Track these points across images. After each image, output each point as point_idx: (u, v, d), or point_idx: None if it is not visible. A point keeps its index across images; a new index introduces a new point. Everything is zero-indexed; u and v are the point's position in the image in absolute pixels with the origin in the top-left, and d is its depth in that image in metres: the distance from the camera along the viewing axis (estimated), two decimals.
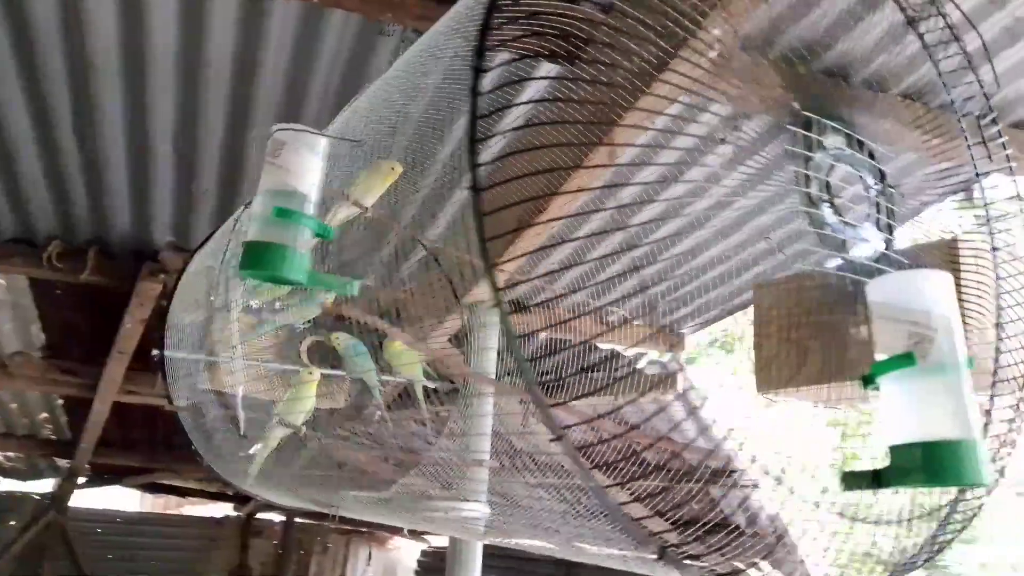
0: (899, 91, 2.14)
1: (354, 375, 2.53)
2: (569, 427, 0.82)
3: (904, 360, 0.88)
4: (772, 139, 1.12)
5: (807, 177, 1.15)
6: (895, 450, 0.89)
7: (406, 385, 2.59)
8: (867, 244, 1.20)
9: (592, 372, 3.88)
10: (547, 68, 1.93)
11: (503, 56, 1.21)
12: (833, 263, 1.53)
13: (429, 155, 2.38)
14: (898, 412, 0.90)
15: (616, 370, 4.01)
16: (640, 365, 4.04)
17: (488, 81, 0.89)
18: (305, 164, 1.13)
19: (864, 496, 1.23)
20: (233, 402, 2.19)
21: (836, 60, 2.08)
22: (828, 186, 1.18)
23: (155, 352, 2.21)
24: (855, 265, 1.22)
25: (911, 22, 1.21)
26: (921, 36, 1.19)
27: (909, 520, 1.15)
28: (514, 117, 1.11)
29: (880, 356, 0.93)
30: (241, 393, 1.97)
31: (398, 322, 2.82)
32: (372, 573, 8.77)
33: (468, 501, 2.12)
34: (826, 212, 1.20)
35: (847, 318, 1.47)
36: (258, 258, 1.09)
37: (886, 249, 1.19)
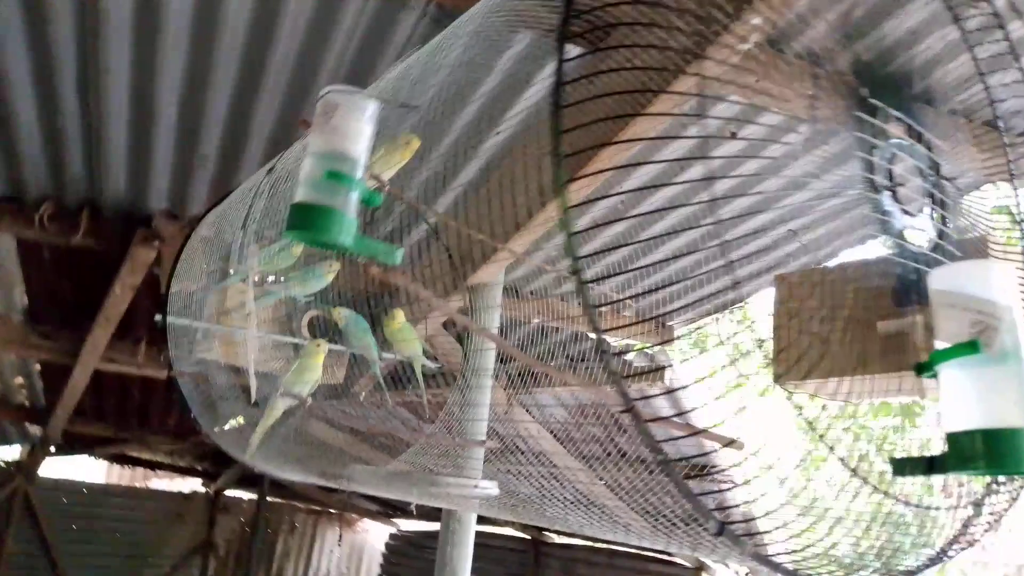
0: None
1: (354, 350, 2.51)
2: (637, 400, 0.82)
3: (967, 348, 0.89)
4: (839, 126, 1.12)
5: (871, 165, 1.15)
6: (954, 437, 0.89)
7: (403, 363, 2.58)
8: (923, 233, 1.20)
9: (581, 360, 3.87)
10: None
11: None
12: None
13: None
14: (960, 400, 0.91)
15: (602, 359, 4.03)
16: (628, 357, 4.05)
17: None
18: (357, 128, 1.11)
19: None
20: (244, 371, 2.16)
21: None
22: (890, 174, 1.19)
23: (157, 317, 2.16)
24: (912, 254, 1.22)
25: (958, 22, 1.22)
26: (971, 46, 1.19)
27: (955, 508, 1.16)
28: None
29: (941, 344, 0.94)
30: (253, 361, 1.93)
31: (397, 301, 2.80)
32: (340, 554, 8.74)
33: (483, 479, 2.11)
34: (887, 200, 1.20)
35: (874, 311, 1.48)
36: (306, 220, 1.07)
37: (940, 239, 1.19)
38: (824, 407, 1.57)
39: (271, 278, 2.42)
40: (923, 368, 0.96)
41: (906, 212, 1.21)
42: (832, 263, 1.64)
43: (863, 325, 1.48)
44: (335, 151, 1.09)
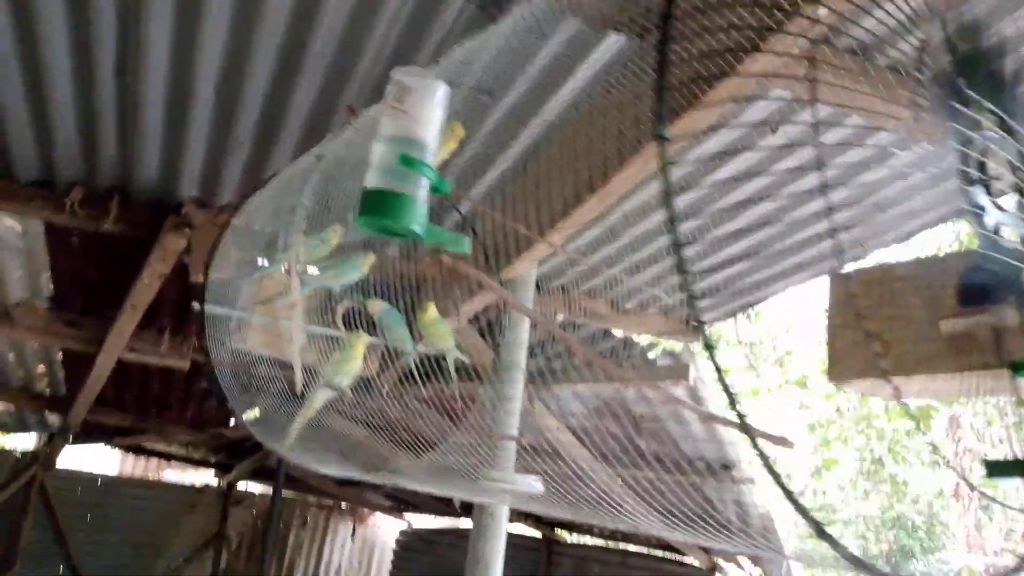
0: None
1: (389, 342, 2.48)
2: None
3: None
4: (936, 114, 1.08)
5: (965, 157, 1.11)
6: None
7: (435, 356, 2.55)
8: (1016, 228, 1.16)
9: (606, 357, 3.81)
10: None
11: None
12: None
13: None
14: None
15: (628, 358, 3.99)
16: (652, 355, 4.02)
17: None
18: (429, 112, 1.08)
19: None
20: (282, 362, 2.14)
21: None
22: (983, 167, 1.15)
23: (195, 305, 2.14)
24: (1004, 248, 1.18)
25: None
26: None
27: None
28: None
29: None
30: (298, 352, 1.91)
31: (426, 293, 2.76)
32: (352, 549, 8.72)
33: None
34: (980, 194, 1.16)
35: (936, 311, 1.44)
36: (379, 206, 1.04)
37: None
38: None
39: (309, 268, 2.40)
40: (1019, 368, 0.93)
41: (998, 207, 1.17)
42: (883, 262, 1.61)
43: (925, 324, 1.44)
44: (408, 136, 1.06)
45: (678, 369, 3.86)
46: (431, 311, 2.43)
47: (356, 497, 8.20)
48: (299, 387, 1.89)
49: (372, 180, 1.06)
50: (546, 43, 2.01)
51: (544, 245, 2.28)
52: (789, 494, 0.78)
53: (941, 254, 1.45)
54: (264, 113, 2.46)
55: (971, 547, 9.39)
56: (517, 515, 7.25)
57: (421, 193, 1.05)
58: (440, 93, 1.10)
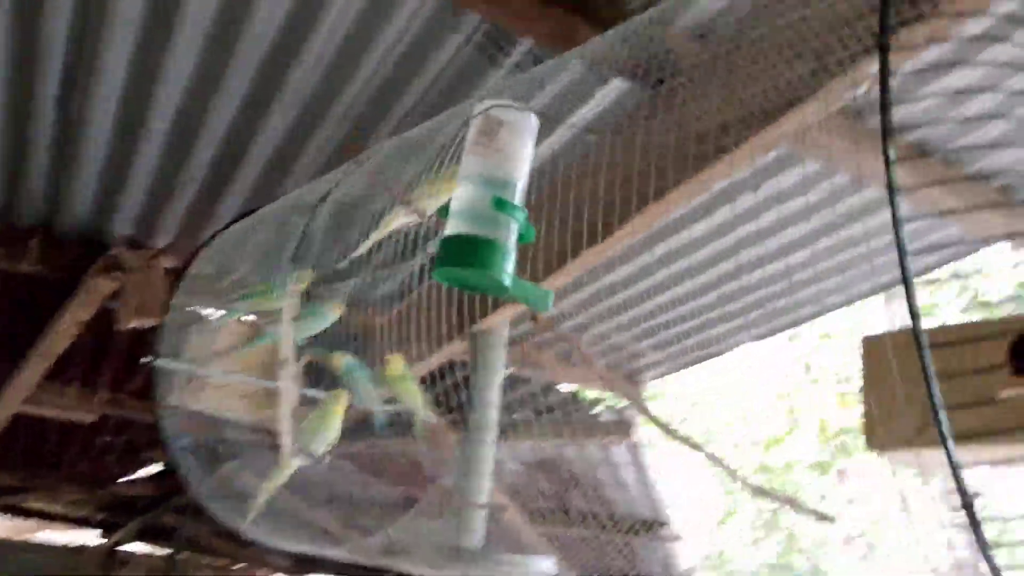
0: None
1: (356, 402, 2.28)
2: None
3: None
4: None
5: None
6: None
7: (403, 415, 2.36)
8: None
9: (546, 413, 3.71)
10: None
11: None
12: None
13: None
14: None
15: (572, 413, 3.88)
16: (596, 411, 3.93)
17: None
18: (522, 149, 0.95)
19: None
20: (268, 425, 1.91)
21: None
22: None
23: (145, 359, 1.89)
24: None
25: None
26: None
27: None
28: None
29: None
30: (287, 416, 1.70)
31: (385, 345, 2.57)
32: None
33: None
34: None
35: (987, 376, 1.40)
36: (466, 255, 0.90)
37: None
38: None
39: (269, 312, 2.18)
40: None
41: None
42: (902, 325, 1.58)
43: (975, 390, 1.40)
44: (498, 176, 0.92)
45: (621, 426, 3.79)
46: (397, 365, 2.25)
47: (257, 557, 7.69)
48: (288, 456, 1.67)
49: (457, 225, 0.91)
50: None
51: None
52: None
53: (982, 318, 1.42)
54: (223, 150, 2.25)
55: None
56: None
57: (511, 241, 0.91)
58: (534, 127, 0.97)
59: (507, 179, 0.93)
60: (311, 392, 2.20)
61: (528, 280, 0.91)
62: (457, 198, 0.94)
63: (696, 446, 2.64)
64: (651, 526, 4.61)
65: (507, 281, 0.90)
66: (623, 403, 3.80)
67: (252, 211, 2.14)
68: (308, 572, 8.02)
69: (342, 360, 2.18)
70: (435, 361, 2.68)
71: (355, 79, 1.98)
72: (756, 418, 8.28)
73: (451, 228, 0.92)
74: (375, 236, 1.77)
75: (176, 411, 1.92)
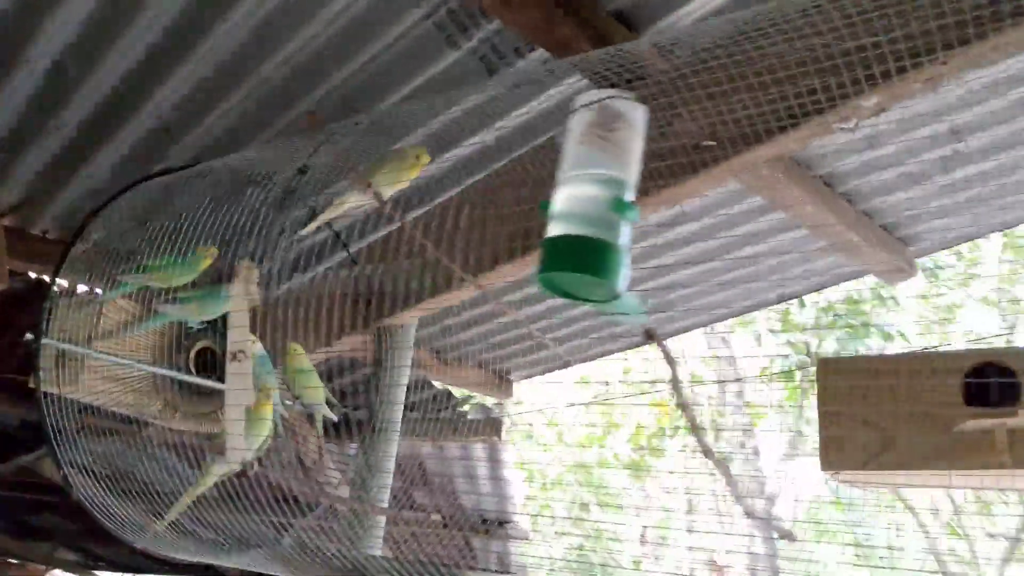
0: None
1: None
2: None
3: None
4: None
5: None
6: None
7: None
8: None
9: (412, 411, 3.63)
10: None
11: None
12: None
13: None
14: None
15: (442, 410, 3.79)
16: (465, 408, 3.85)
17: None
18: (637, 146, 0.86)
19: None
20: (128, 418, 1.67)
21: None
22: None
23: (28, 336, 1.59)
24: None
25: None
26: None
27: None
28: None
29: None
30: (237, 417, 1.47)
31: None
32: None
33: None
34: None
35: (943, 407, 1.47)
36: (582, 259, 0.80)
37: None
38: None
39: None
40: None
41: None
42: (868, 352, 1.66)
43: (932, 420, 1.47)
44: (617, 175, 0.83)
45: (491, 425, 3.74)
46: (299, 356, 2.07)
47: (47, 557, 6.92)
48: (234, 461, 1.46)
49: (571, 226, 0.81)
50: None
51: (462, 291, 2.04)
52: None
53: (938, 350, 1.50)
54: (100, 111, 1.97)
55: None
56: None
57: (625, 244, 0.83)
58: (645, 121, 0.88)
59: (624, 178, 0.84)
60: (205, 382, 1.98)
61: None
62: (569, 195, 0.84)
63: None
64: (496, 523, 4.60)
65: (621, 289, 0.81)
66: (492, 401, 3.77)
67: (146, 178, 1.89)
68: (94, 568, 7.33)
69: (253, 349, 1.96)
70: (324, 355, 2.50)
71: (281, 46, 1.79)
72: (580, 417, 8.54)
73: (564, 228, 0.81)
74: (328, 214, 1.61)
75: (56, 399, 1.64)
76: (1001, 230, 2.87)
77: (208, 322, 1.99)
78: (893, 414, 1.50)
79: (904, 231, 2.59)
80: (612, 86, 1.75)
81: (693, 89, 1.55)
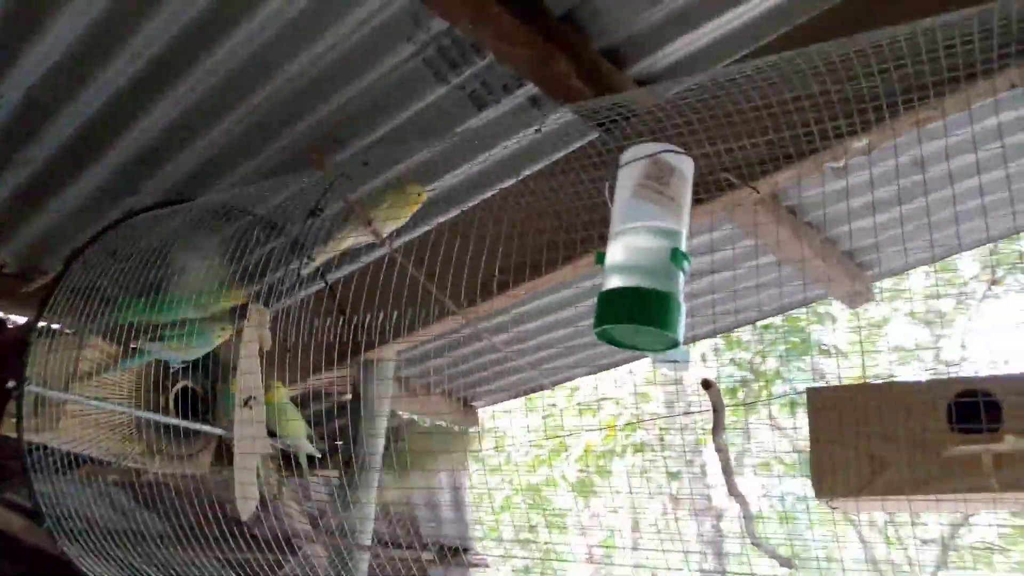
0: None
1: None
2: None
3: None
4: None
5: None
6: None
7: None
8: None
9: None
10: None
11: None
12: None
13: None
14: None
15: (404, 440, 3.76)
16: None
17: None
18: (688, 198, 0.88)
19: None
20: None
21: None
22: None
23: (11, 384, 1.52)
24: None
25: None
26: None
27: None
28: None
29: None
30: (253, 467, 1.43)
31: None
32: None
33: None
34: None
35: (930, 432, 1.53)
36: (654, 312, 0.81)
37: None
38: None
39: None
40: None
41: None
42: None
43: (921, 445, 1.53)
44: (673, 227, 0.85)
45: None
46: (281, 392, 2.04)
47: None
48: (248, 512, 1.42)
49: (628, 278, 0.83)
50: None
51: (444, 323, 2.03)
52: None
53: (924, 379, 1.56)
54: (76, 142, 1.91)
55: None
56: None
57: (682, 292, 0.85)
58: (692, 172, 0.91)
59: (679, 229, 0.87)
60: (184, 424, 1.93)
61: None
62: (626, 247, 0.86)
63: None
64: (455, 551, 4.57)
65: (680, 339, 0.84)
66: (459, 428, 3.76)
67: (131, 215, 1.84)
68: None
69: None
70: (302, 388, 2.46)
71: (268, 79, 1.78)
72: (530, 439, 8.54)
73: (624, 280, 0.83)
74: (330, 251, 1.59)
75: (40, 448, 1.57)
76: (952, 255, 3.00)
77: (189, 361, 1.94)
78: (883, 441, 1.56)
79: (863, 257, 2.69)
80: (600, 124, 1.80)
81: (681, 130, 1.60)
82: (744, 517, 1.37)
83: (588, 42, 1.76)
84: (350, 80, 1.84)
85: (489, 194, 2.04)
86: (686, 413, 7.49)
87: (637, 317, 0.82)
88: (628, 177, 0.89)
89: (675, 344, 0.83)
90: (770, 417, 7.75)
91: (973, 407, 1.49)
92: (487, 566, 4.71)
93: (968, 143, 1.98)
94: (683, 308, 0.84)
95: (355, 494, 2.13)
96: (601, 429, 7.53)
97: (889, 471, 1.54)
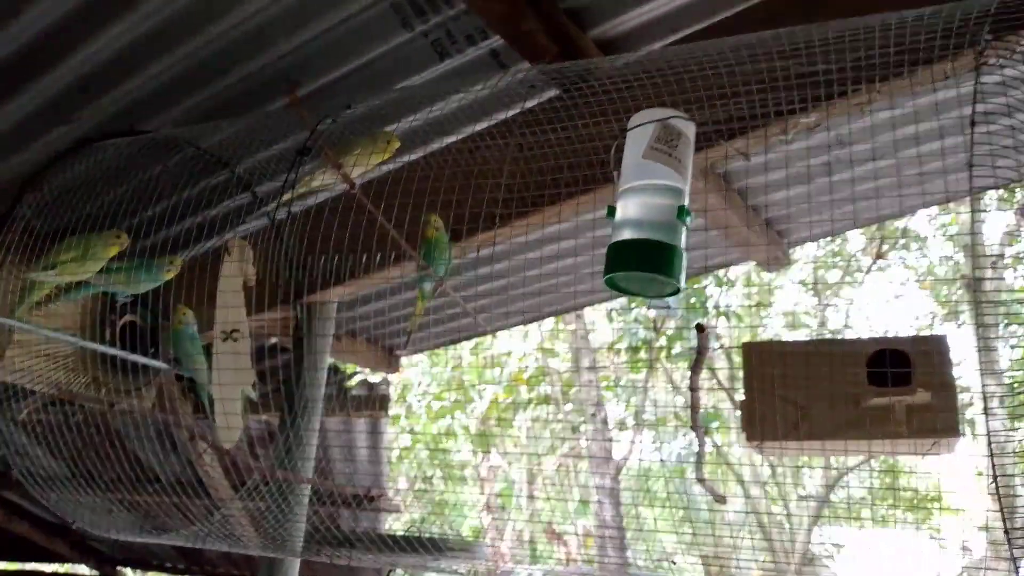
0: None
1: (183, 370, 2.00)
2: None
3: None
4: None
5: None
6: None
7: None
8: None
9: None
10: None
11: None
12: None
13: None
14: None
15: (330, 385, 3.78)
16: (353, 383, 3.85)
17: None
18: (691, 159, 0.96)
19: None
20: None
21: None
22: None
23: None
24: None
25: None
26: None
27: None
28: None
29: None
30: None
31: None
32: None
33: None
34: None
35: (851, 386, 1.69)
36: (656, 260, 0.90)
37: None
38: None
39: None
40: None
41: None
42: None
43: (842, 397, 1.69)
44: (679, 186, 0.93)
45: (379, 401, 3.77)
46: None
47: None
48: (231, 441, 1.43)
49: (638, 231, 0.90)
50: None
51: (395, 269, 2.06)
52: None
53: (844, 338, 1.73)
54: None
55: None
56: (71, 552, 6.26)
57: (683, 246, 0.94)
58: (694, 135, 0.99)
59: (683, 188, 0.95)
60: (128, 356, 1.91)
61: None
62: (637, 203, 0.94)
63: None
64: (368, 497, 4.63)
65: (682, 285, 0.92)
66: (378, 376, 3.79)
67: (88, 141, 1.79)
68: None
69: (184, 318, 1.91)
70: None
71: (228, 10, 1.75)
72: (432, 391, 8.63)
73: (634, 232, 0.91)
74: (299, 191, 1.60)
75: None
76: (863, 226, 3.22)
77: (134, 295, 1.92)
78: (807, 391, 1.71)
79: (782, 225, 2.86)
80: (561, 84, 1.85)
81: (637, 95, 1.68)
82: (697, 455, 1.49)
83: (556, 1, 1.81)
84: (309, 20, 1.83)
85: (447, 143, 2.07)
86: (590, 368, 7.73)
87: (649, 266, 0.90)
88: (638, 139, 0.97)
89: (677, 291, 0.92)
90: (668, 376, 8.10)
91: (884, 364, 1.67)
92: (399, 511, 4.81)
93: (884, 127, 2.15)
94: (685, 259, 0.93)
95: (296, 436, 2.16)
96: (512, 383, 7.69)
97: (812, 419, 1.70)
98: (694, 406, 1.48)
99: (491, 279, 3.09)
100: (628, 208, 0.95)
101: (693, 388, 1.46)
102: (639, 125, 0.96)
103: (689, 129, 0.98)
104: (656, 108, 0.99)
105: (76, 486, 2.04)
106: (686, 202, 0.95)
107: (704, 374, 1.68)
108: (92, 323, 1.85)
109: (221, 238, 2.28)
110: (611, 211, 0.97)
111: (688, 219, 0.93)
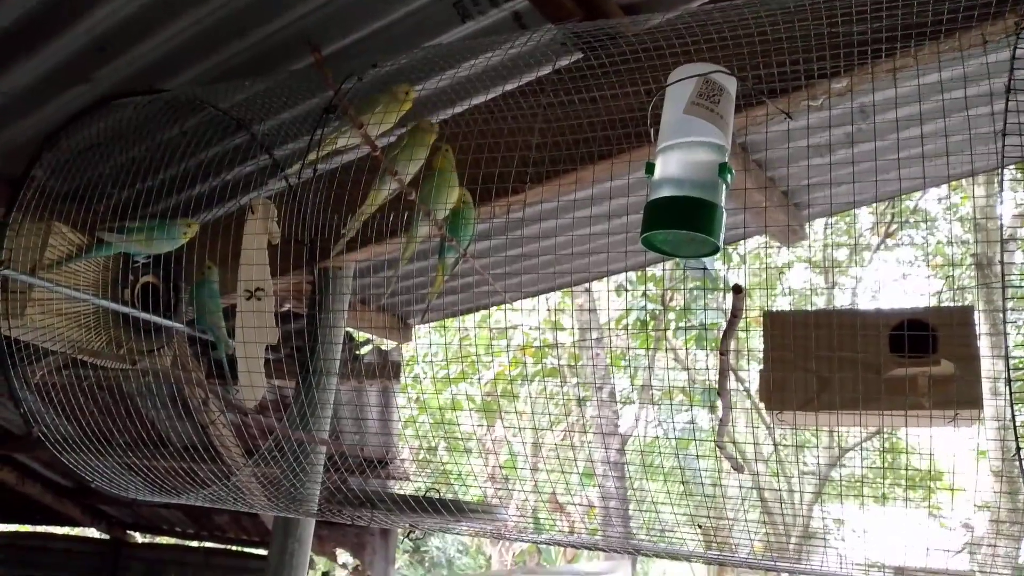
0: None
1: (203, 326, 1.99)
2: None
3: None
4: None
5: None
6: None
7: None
8: None
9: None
10: None
11: None
12: None
13: None
14: None
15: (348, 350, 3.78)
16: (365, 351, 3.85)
17: None
18: (732, 115, 0.94)
19: None
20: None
21: None
22: None
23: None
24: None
25: None
26: None
27: None
28: None
29: None
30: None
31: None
32: None
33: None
34: None
35: (873, 356, 1.68)
36: (698, 218, 0.88)
37: None
38: None
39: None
40: None
41: None
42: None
43: (863, 367, 1.68)
44: (720, 142, 0.91)
45: (390, 368, 3.78)
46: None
47: None
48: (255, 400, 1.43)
49: (679, 188, 0.89)
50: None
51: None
52: None
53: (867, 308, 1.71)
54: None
55: None
56: (82, 516, 6.34)
57: (723, 203, 0.92)
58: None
59: (725, 145, 0.93)
60: (145, 316, 1.91)
61: None
62: (678, 160, 0.92)
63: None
64: (378, 463, 4.65)
65: (720, 245, 0.91)
66: (390, 345, 3.79)
67: (110, 98, 1.77)
68: None
69: (208, 272, 1.90)
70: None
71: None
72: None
73: (674, 190, 0.89)
74: (321, 152, 1.58)
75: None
76: (885, 200, 3.18)
77: (152, 256, 1.91)
78: (829, 361, 1.70)
79: (800, 197, 2.84)
80: (586, 43, 1.83)
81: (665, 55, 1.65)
82: (720, 420, 1.48)
83: None
84: None
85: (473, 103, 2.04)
86: (597, 340, 7.74)
87: (691, 224, 0.89)
88: (678, 95, 0.94)
89: (717, 251, 0.91)
90: (673, 351, 8.10)
91: (909, 336, 1.65)
92: (408, 479, 4.82)
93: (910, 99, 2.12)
94: (725, 217, 0.91)
95: (315, 396, 2.16)
96: (522, 349, 7.70)
97: (832, 388, 1.69)
98: (722, 370, 1.47)
99: (521, 243, 3.05)
100: (668, 165, 0.93)
101: (723, 352, 1.45)
102: (680, 79, 0.94)
103: (731, 84, 0.96)
104: (696, 63, 0.97)
105: (89, 449, 2.05)
106: (727, 159, 0.94)
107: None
108: (111, 282, 1.84)
109: (238, 201, 2.28)
110: (650, 168, 0.95)
111: (730, 177, 0.92)
